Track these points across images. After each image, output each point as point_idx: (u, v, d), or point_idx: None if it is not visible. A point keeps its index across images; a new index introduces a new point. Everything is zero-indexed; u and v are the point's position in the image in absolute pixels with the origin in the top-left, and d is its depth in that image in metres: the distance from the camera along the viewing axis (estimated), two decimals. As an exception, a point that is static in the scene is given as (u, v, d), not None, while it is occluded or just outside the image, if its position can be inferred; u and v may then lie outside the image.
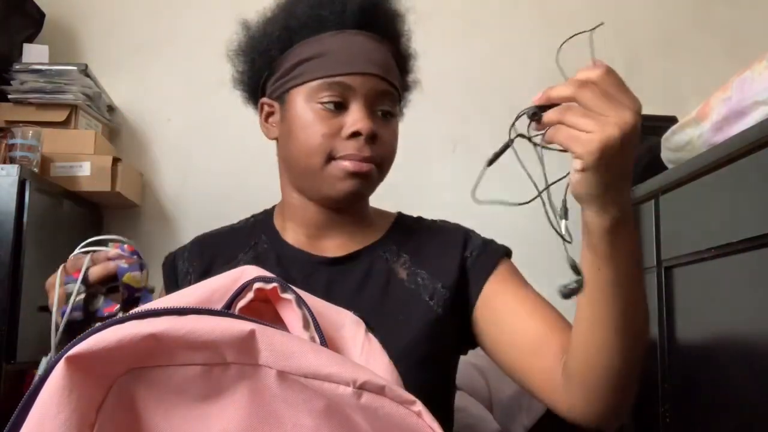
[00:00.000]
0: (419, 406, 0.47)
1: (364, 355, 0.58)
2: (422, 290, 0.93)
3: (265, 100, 0.99)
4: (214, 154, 1.91)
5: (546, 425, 1.46)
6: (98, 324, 0.43)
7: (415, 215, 1.07)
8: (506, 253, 0.98)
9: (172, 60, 1.95)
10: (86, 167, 1.62)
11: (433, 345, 0.91)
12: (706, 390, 1.30)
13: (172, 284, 1.00)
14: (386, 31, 0.96)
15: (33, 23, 1.81)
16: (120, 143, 1.92)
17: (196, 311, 0.45)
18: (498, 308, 0.91)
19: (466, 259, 0.95)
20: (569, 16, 2.03)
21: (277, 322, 0.58)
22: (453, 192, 1.93)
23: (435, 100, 1.96)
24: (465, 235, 0.99)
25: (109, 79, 1.88)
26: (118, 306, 0.81)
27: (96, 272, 0.82)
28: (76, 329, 0.78)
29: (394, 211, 1.06)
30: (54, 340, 0.77)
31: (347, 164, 0.90)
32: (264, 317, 0.59)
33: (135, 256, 0.83)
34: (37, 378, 0.43)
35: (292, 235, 0.99)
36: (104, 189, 1.64)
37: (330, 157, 0.90)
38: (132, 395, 0.44)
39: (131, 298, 0.82)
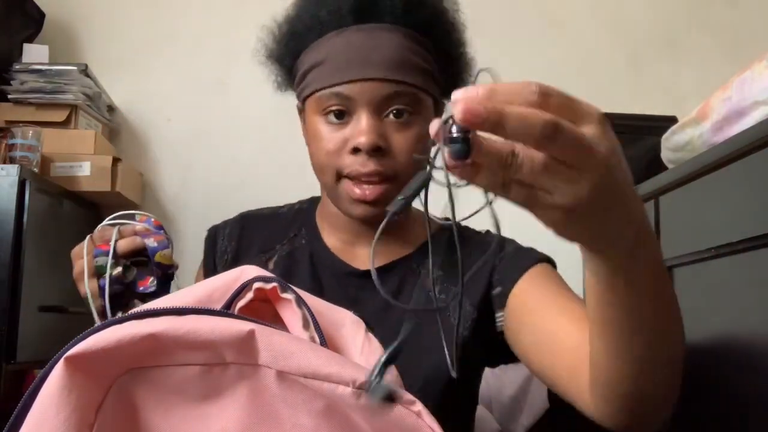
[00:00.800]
0: (419, 405, 0.47)
1: (364, 355, 0.58)
2: (452, 312, 0.84)
3: (298, 105, 0.94)
4: (214, 154, 1.91)
5: (546, 425, 1.47)
6: (97, 324, 0.43)
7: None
8: (546, 258, 0.89)
9: (172, 60, 1.95)
10: (86, 167, 1.62)
11: (459, 367, 0.81)
12: (706, 390, 1.30)
13: (210, 261, 0.98)
14: (398, 16, 0.84)
15: (33, 23, 1.81)
16: (120, 143, 1.92)
17: (195, 311, 0.45)
18: (531, 309, 0.81)
19: (496, 265, 0.88)
20: (569, 16, 2.03)
21: (277, 322, 0.58)
22: (453, 192, 1.94)
23: (435, 100, 1.97)
24: (501, 242, 0.91)
25: (109, 79, 1.88)
26: (151, 279, 0.80)
27: (124, 245, 0.79)
28: (118, 302, 0.77)
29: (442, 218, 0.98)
30: (92, 307, 0.75)
31: (353, 189, 0.83)
32: (264, 317, 0.59)
33: (161, 232, 0.82)
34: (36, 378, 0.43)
35: (329, 237, 0.95)
36: (104, 189, 1.64)
37: (339, 174, 0.84)
38: (131, 395, 0.44)
39: (165, 275, 0.81)
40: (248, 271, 0.60)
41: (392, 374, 0.56)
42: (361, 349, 0.58)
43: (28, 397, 0.41)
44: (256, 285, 0.57)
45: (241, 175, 1.91)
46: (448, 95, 0.94)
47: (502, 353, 0.88)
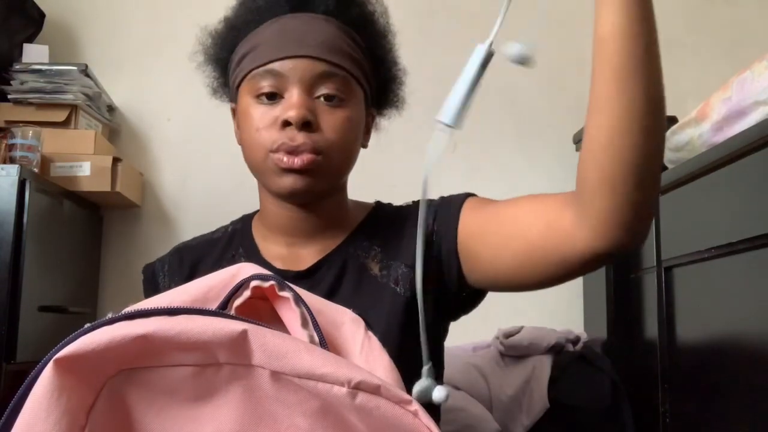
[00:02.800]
0: (415, 405, 0.46)
1: (364, 353, 0.57)
2: (391, 280, 0.89)
3: (233, 105, 0.95)
4: (214, 154, 1.91)
5: (546, 425, 1.46)
6: (87, 325, 0.43)
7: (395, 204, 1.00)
8: (469, 194, 0.92)
9: (172, 60, 1.95)
10: (86, 167, 1.62)
11: (408, 330, 0.84)
12: (706, 390, 1.30)
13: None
14: (332, 9, 0.88)
15: (33, 23, 1.81)
16: (120, 143, 1.92)
17: (187, 311, 0.45)
18: (481, 227, 0.85)
19: (430, 223, 0.89)
20: (569, 15, 2.03)
21: (276, 321, 0.58)
22: (453, 192, 1.94)
23: (435, 100, 1.96)
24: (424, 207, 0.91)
25: (109, 79, 1.88)
26: None
27: None
28: None
29: (373, 201, 1.01)
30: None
31: (280, 159, 0.84)
32: (262, 315, 0.58)
33: None
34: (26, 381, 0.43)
35: (272, 247, 0.94)
36: (104, 189, 1.64)
37: (268, 150, 0.85)
38: (123, 397, 0.44)
39: None
40: (245, 269, 0.60)
41: (393, 375, 0.56)
42: (361, 347, 0.58)
43: (18, 401, 0.41)
44: (254, 283, 0.57)
45: (241, 175, 1.89)
46: (377, 104, 0.98)
47: (457, 305, 0.92)
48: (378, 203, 1.00)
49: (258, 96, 0.86)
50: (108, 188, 1.64)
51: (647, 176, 0.69)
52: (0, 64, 1.69)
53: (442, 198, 0.93)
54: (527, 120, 1.98)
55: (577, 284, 1.88)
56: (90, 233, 1.81)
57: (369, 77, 0.93)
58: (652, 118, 0.69)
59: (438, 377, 0.96)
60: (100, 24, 1.96)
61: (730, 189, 1.22)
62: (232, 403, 0.46)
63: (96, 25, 1.96)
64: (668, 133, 1.56)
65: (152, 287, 0.98)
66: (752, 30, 2.01)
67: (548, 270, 0.79)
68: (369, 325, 0.62)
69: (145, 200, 1.90)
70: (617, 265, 1.69)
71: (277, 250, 0.94)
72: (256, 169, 0.90)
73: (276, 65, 0.85)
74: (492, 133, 1.97)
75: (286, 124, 0.84)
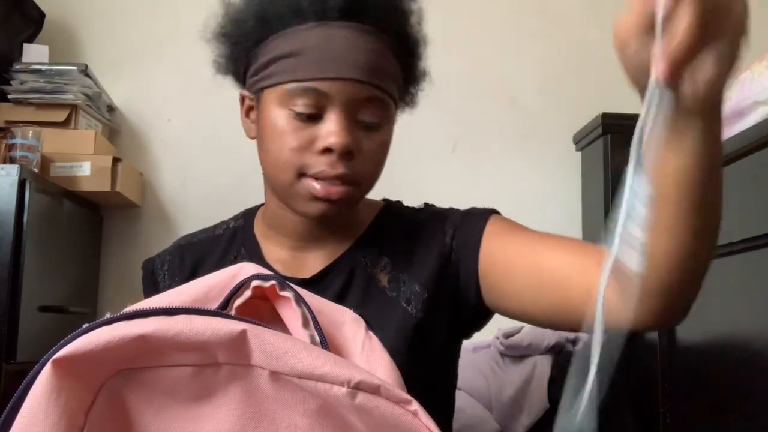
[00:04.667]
0: (415, 405, 0.46)
1: (365, 353, 0.57)
2: (402, 297, 0.85)
3: (245, 93, 0.89)
4: (214, 154, 1.91)
5: (546, 425, 1.46)
6: (85, 325, 0.42)
7: (403, 203, 0.97)
8: (491, 210, 0.88)
9: (172, 60, 1.95)
10: (86, 167, 1.62)
11: (416, 350, 0.82)
12: (706, 390, 1.30)
13: (152, 295, 0.95)
14: (381, 20, 0.81)
15: (33, 23, 1.81)
16: (120, 143, 1.92)
17: (185, 311, 0.45)
18: (507, 261, 0.80)
19: (448, 242, 0.86)
20: (569, 15, 2.03)
21: (276, 321, 0.58)
22: (453, 192, 1.93)
23: (435, 99, 1.96)
24: (441, 218, 0.88)
25: (109, 79, 1.88)
26: None
27: None
28: None
29: (380, 200, 0.96)
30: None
31: (316, 186, 0.79)
32: (262, 315, 0.58)
33: None
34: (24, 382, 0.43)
35: (275, 249, 0.91)
36: (104, 189, 1.64)
37: (301, 173, 0.80)
38: (122, 397, 0.44)
39: None
40: (246, 269, 0.60)
41: (394, 375, 0.56)
42: (361, 347, 0.58)
43: (16, 401, 0.41)
44: (254, 283, 0.57)
45: (241, 175, 1.90)
46: (398, 106, 0.92)
47: (471, 323, 0.88)
48: (387, 202, 0.96)
49: (292, 108, 0.79)
50: (108, 188, 1.64)
51: (699, 279, 0.70)
52: (0, 64, 1.68)
53: (462, 213, 0.89)
54: (527, 120, 1.98)
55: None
56: (90, 233, 1.81)
57: (400, 89, 0.88)
58: (714, 235, 0.67)
59: (447, 400, 0.93)
60: (100, 24, 1.96)
61: (730, 189, 1.22)
62: (232, 403, 0.46)
63: (96, 25, 1.96)
64: (668, 133, 1.56)
65: (151, 284, 0.95)
66: (752, 30, 2.01)
67: (574, 322, 0.75)
68: (369, 326, 0.62)
69: (145, 200, 1.90)
70: (617, 265, 1.69)
71: (280, 252, 0.91)
72: (280, 187, 0.83)
73: (319, 84, 0.78)
74: (492, 133, 1.97)
75: (327, 150, 0.78)
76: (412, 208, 0.95)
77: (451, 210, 0.91)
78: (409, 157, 1.90)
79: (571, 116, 1.92)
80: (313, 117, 0.79)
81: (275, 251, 0.91)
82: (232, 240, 0.95)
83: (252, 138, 0.89)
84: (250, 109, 0.89)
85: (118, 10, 1.97)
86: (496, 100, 1.99)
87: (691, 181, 0.60)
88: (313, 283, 0.86)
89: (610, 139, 1.73)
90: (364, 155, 0.81)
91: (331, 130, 0.78)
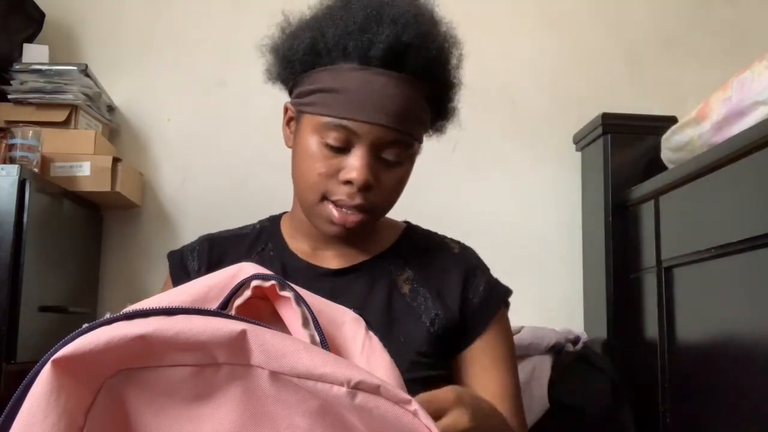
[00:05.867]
0: (415, 405, 0.46)
1: (365, 353, 0.57)
2: (423, 312, 0.94)
3: (289, 105, 0.97)
4: (214, 154, 1.91)
5: (546, 425, 1.46)
6: (84, 325, 0.42)
7: (423, 227, 1.06)
8: (506, 300, 0.99)
9: (172, 60, 1.95)
10: (86, 167, 1.62)
11: (432, 363, 0.92)
12: (706, 390, 1.30)
13: (183, 281, 0.99)
14: (419, 71, 0.89)
15: (33, 23, 1.80)
16: (120, 143, 1.92)
17: (185, 311, 0.45)
18: (475, 370, 0.94)
19: (468, 300, 0.96)
20: (570, 15, 2.03)
21: (276, 321, 0.58)
22: (453, 192, 1.93)
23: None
24: (469, 267, 0.99)
25: (109, 79, 1.88)
26: None
27: None
28: None
29: (402, 221, 1.06)
30: None
31: (335, 213, 0.89)
32: (262, 315, 0.58)
33: None
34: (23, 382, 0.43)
35: (299, 245, 0.99)
36: (104, 189, 1.63)
37: (324, 197, 0.90)
38: (122, 397, 0.44)
39: None
40: (246, 269, 0.59)
41: (394, 375, 0.56)
42: (361, 347, 0.58)
43: (16, 401, 0.41)
44: (254, 283, 0.57)
45: (241, 175, 1.91)
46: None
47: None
48: (408, 225, 1.05)
49: (324, 137, 0.88)
50: (108, 188, 1.63)
51: None
52: (0, 64, 1.68)
53: (489, 284, 0.98)
54: (527, 120, 1.98)
55: (577, 284, 1.88)
56: (90, 233, 1.81)
57: (428, 127, 0.98)
58: None
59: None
60: (100, 24, 1.96)
61: (730, 189, 1.22)
62: (231, 403, 0.46)
63: (96, 25, 1.96)
64: (668, 133, 1.56)
65: (181, 270, 1.00)
66: (752, 30, 2.01)
67: None
68: (369, 325, 0.62)
69: (145, 200, 1.90)
70: (617, 265, 1.69)
71: (302, 248, 0.99)
72: (305, 203, 0.92)
73: (351, 124, 0.86)
74: (492, 133, 1.97)
75: (349, 182, 0.87)
76: (436, 234, 1.05)
77: (478, 267, 1.00)
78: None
79: (571, 116, 1.92)
80: (342, 150, 0.88)
81: (301, 248, 0.99)
82: (259, 237, 1.03)
83: (289, 147, 0.97)
84: (290, 119, 0.97)
85: (118, 10, 1.97)
86: (496, 100, 1.99)
87: None
88: (338, 275, 0.95)
89: (610, 139, 1.73)
90: (382, 188, 0.90)
91: (354, 165, 0.87)
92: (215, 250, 1.00)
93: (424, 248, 1.00)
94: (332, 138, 0.87)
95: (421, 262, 0.98)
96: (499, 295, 0.99)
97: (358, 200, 0.88)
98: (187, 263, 1.00)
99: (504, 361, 0.95)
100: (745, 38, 1.99)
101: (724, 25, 2.03)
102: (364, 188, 0.88)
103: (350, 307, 0.85)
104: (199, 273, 0.97)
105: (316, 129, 0.88)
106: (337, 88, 0.87)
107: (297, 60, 0.92)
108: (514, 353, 0.99)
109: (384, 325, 0.91)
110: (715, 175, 1.27)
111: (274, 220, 1.05)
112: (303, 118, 0.91)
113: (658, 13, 2.04)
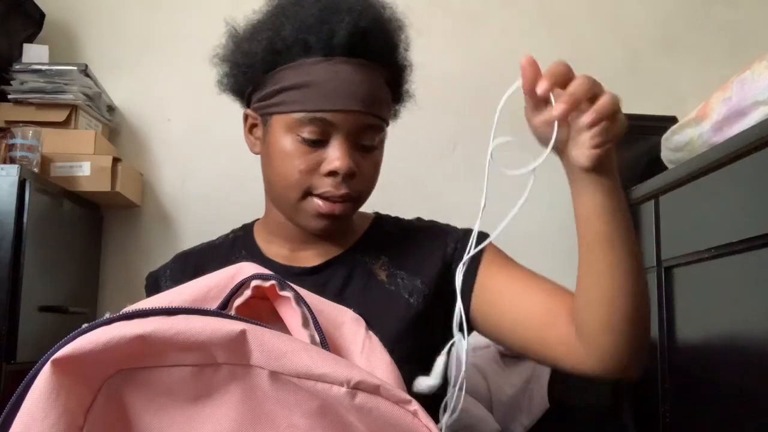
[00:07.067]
0: (415, 405, 0.46)
1: (365, 353, 0.57)
2: (402, 289, 0.94)
3: (249, 112, 0.97)
4: (214, 154, 1.91)
5: (546, 425, 1.46)
6: (84, 325, 0.42)
7: (393, 215, 1.07)
8: (486, 235, 0.97)
9: (172, 60, 1.95)
10: (86, 167, 1.62)
11: (416, 340, 0.91)
12: (706, 390, 1.30)
13: None
14: (378, 56, 0.91)
15: (33, 23, 1.80)
16: (120, 143, 1.92)
17: (185, 311, 0.45)
18: (496, 292, 0.92)
19: (450, 253, 0.96)
20: (569, 16, 2.03)
21: (276, 320, 0.58)
22: (452, 192, 1.93)
23: (435, 100, 1.96)
24: (443, 230, 1.00)
25: (109, 79, 1.88)
26: None
27: None
28: None
29: (371, 212, 1.06)
30: None
31: (321, 205, 0.89)
32: (262, 315, 0.58)
33: None
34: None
35: (277, 249, 0.99)
36: (104, 189, 1.63)
37: (307, 193, 0.90)
38: (121, 397, 0.44)
39: None
40: (246, 269, 0.60)
41: (394, 375, 0.56)
42: (362, 347, 0.58)
43: (16, 401, 0.41)
44: (254, 282, 0.57)
45: (241, 175, 1.90)
46: None
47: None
48: (377, 215, 1.06)
49: (301, 137, 0.88)
50: (108, 188, 1.63)
51: (639, 319, 0.80)
52: (0, 64, 1.68)
53: (463, 232, 0.98)
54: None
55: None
56: (90, 233, 1.81)
57: (391, 112, 0.99)
58: (637, 271, 0.79)
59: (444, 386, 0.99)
60: (100, 24, 1.96)
61: (730, 189, 1.22)
62: (231, 403, 0.46)
63: (96, 25, 1.96)
64: (668, 133, 1.56)
65: (154, 292, 0.98)
66: (752, 30, 2.01)
67: (546, 362, 0.91)
68: (369, 325, 0.62)
69: (145, 200, 1.90)
70: (617, 265, 1.69)
71: (279, 252, 0.99)
72: (287, 203, 0.92)
73: (327, 115, 0.87)
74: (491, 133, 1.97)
75: (332, 173, 0.88)
76: (406, 219, 1.06)
77: (449, 226, 1.02)
78: (409, 157, 1.90)
79: (571, 116, 1.92)
80: (319, 143, 0.88)
81: (275, 250, 0.99)
82: (233, 246, 1.02)
83: (256, 153, 0.98)
84: (253, 126, 0.97)
85: (118, 10, 1.97)
86: (496, 100, 1.99)
87: (598, 224, 0.77)
88: (314, 273, 0.95)
89: (610, 139, 1.73)
90: (363, 175, 0.91)
91: (336, 155, 0.87)
92: (189, 266, 1.00)
93: (395, 232, 1.01)
94: (308, 132, 0.87)
95: (394, 246, 0.98)
96: (479, 234, 0.97)
97: (344, 190, 0.89)
98: (161, 284, 1.00)
99: (515, 265, 0.96)
100: (745, 38, 1.99)
101: (724, 25, 2.03)
102: (349, 176, 0.88)
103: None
104: None
105: (289, 127, 0.88)
106: (305, 82, 0.87)
107: (257, 63, 0.91)
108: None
109: (362, 311, 0.89)
110: (715, 175, 1.27)
111: (247, 229, 1.05)
112: (272, 120, 0.91)
113: (657, 13, 2.04)
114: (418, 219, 1.05)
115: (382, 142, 0.95)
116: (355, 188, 0.90)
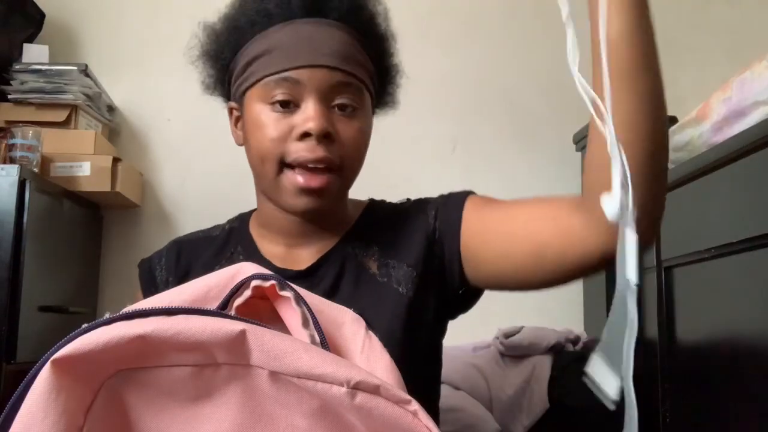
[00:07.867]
0: (415, 405, 0.46)
1: (365, 353, 0.57)
2: (392, 280, 0.89)
3: (231, 104, 0.94)
4: (214, 154, 1.91)
5: (546, 425, 1.46)
6: (84, 325, 0.42)
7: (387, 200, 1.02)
8: (469, 192, 0.93)
9: (172, 60, 1.94)
10: (86, 167, 1.62)
11: (410, 330, 0.86)
12: (706, 390, 1.30)
13: (151, 293, 0.94)
14: (344, 16, 0.87)
15: (33, 23, 1.81)
16: (120, 143, 1.92)
17: (185, 311, 0.45)
18: (486, 218, 0.86)
19: (431, 222, 0.91)
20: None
21: (276, 320, 0.58)
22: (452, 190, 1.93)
23: (435, 100, 1.96)
24: (422, 204, 0.94)
25: (109, 79, 1.88)
26: None
27: None
28: None
29: (366, 199, 1.01)
30: None
31: (299, 179, 0.84)
32: (262, 315, 0.58)
33: None
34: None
35: (270, 246, 0.95)
36: (104, 189, 1.64)
37: (282, 163, 0.84)
38: (121, 397, 0.44)
39: None
40: (246, 269, 0.59)
41: (394, 375, 0.56)
42: (362, 347, 0.58)
43: (15, 401, 0.41)
44: (254, 282, 0.57)
45: (241, 175, 1.90)
46: (378, 105, 0.98)
47: (457, 303, 0.93)
48: (371, 201, 1.01)
49: (271, 103, 0.84)
50: (108, 188, 1.64)
51: (656, 172, 0.71)
52: (0, 64, 1.68)
53: (443, 196, 0.94)
54: (527, 120, 1.98)
55: (577, 284, 1.88)
56: (90, 233, 1.81)
57: (374, 82, 0.93)
58: (659, 112, 0.72)
59: (436, 376, 0.97)
60: (100, 24, 1.96)
61: (730, 189, 1.22)
62: (231, 404, 0.46)
63: (96, 25, 1.96)
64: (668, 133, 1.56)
65: (150, 281, 0.98)
66: (752, 30, 2.01)
67: (557, 271, 0.80)
68: (369, 325, 0.62)
69: (144, 200, 1.90)
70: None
71: (275, 249, 0.94)
72: (266, 182, 0.88)
73: (292, 73, 0.83)
74: (491, 134, 1.97)
75: (306, 135, 0.83)
76: (396, 202, 1.00)
77: (429, 198, 0.95)
78: (409, 157, 1.90)
79: (571, 116, 1.92)
80: (290, 108, 0.84)
81: (270, 247, 0.95)
82: (228, 239, 0.99)
83: (241, 145, 0.94)
84: (238, 119, 0.94)
85: (118, 10, 1.97)
86: (496, 100, 1.99)
87: (630, 40, 0.70)
88: (307, 275, 0.90)
89: (611, 139, 1.73)
90: (342, 140, 0.85)
91: (307, 115, 0.83)
92: (183, 258, 0.97)
93: (386, 219, 0.95)
94: (279, 94, 0.84)
95: (385, 235, 0.93)
96: (459, 191, 0.93)
97: (319, 153, 0.83)
98: (155, 273, 0.98)
99: (503, 200, 0.89)
100: (745, 38, 1.99)
101: (724, 25, 2.03)
102: (323, 135, 0.83)
103: None
104: (168, 284, 0.94)
105: (260, 96, 0.86)
106: (269, 48, 0.85)
107: (226, 46, 0.90)
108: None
109: (354, 309, 0.86)
110: (715, 175, 1.27)
111: (243, 220, 1.01)
112: (245, 98, 0.88)
113: (657, 13, 2.04)
114: (408, 200, 0.99)
115: (364, 108, 0.89)
116: (335, 153, 0.84)
